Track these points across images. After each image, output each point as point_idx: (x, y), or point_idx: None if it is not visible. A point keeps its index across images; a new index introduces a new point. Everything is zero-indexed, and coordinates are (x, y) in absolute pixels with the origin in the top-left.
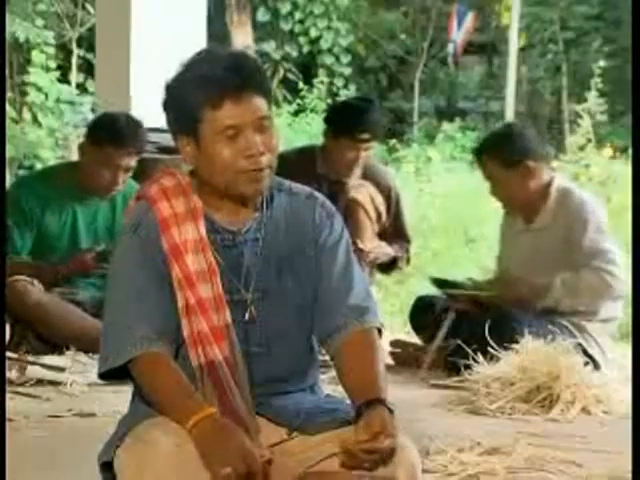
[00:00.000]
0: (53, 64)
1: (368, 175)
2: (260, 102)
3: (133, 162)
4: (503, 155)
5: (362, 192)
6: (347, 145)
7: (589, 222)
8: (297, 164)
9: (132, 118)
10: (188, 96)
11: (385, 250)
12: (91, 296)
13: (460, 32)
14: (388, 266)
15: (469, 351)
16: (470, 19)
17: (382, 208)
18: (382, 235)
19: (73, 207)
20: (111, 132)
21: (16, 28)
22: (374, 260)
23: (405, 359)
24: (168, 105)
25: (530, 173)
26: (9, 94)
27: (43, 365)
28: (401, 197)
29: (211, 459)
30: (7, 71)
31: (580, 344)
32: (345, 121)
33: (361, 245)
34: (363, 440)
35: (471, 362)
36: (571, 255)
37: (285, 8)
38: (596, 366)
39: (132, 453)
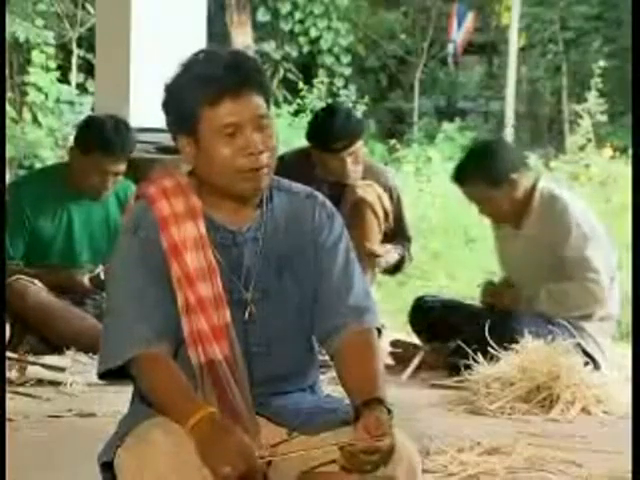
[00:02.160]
0: (53, 64)
1: (368, 175)
2: (259, 101)
3: (123, 166)
4: (488, 176)
5: (370, 192)
6: (329, 157)
7: (572, 230)
8: (296, 166)
9: (120, 121)
10: (187, 95)
11: (394, 253)
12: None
13: (460, 32)
14: (394, 267)
15: (469, 351)
16: (470, 19)
17: (389, 208)
18: (384, 235)
19: (67, 207)
20: (99, 139)
21: (16, 28)
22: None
23: (405, 359)
24: (168, 105)
25: (516, 185)
26: (9, 94)
27: (43, 365)
28: (402, 196)
29: (210, 459)
30: (7, 71)
31: (579, 344)
32: (317, 137)
33: (373, 249)
34: (362, 440)
35: (471, 362)
36: (557, 262)
37: (285, 8)
38: (596, 366)
39: (133, 453)
